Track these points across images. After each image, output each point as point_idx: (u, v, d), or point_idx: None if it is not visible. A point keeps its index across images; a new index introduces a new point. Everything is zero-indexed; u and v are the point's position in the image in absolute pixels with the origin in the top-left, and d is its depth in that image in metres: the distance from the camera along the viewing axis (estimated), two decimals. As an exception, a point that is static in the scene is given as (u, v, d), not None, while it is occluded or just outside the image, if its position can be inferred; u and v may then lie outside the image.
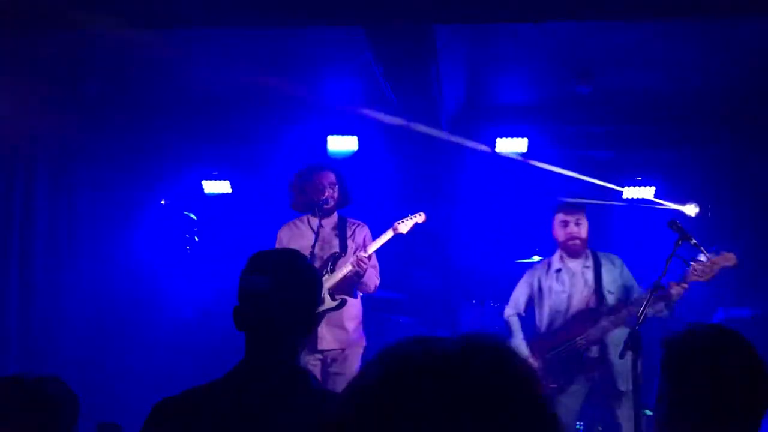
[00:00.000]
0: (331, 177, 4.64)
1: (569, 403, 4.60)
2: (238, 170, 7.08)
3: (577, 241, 4.72)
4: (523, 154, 6.40)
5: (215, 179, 7.02)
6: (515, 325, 4.93)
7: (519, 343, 4.79)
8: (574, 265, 4.78)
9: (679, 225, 3.90)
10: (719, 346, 1.80)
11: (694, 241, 3.82)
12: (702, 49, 4.89)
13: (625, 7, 3.74)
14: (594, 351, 4.57)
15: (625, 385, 4.37)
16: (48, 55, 4.82)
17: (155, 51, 4.94)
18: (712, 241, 4.65)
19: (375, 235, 4.79)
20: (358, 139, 6.32)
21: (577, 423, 5.88)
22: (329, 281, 4.53)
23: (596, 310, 4.61)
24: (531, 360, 4.56)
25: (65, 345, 5.87)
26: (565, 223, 4.74)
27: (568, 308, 4.71)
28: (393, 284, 6.15)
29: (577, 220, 4.74)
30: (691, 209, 6.46)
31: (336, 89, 5.91)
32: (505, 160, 6.53)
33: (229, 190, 7.05)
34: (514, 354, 0.87)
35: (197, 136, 6.59)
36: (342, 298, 4.51)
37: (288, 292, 1.93)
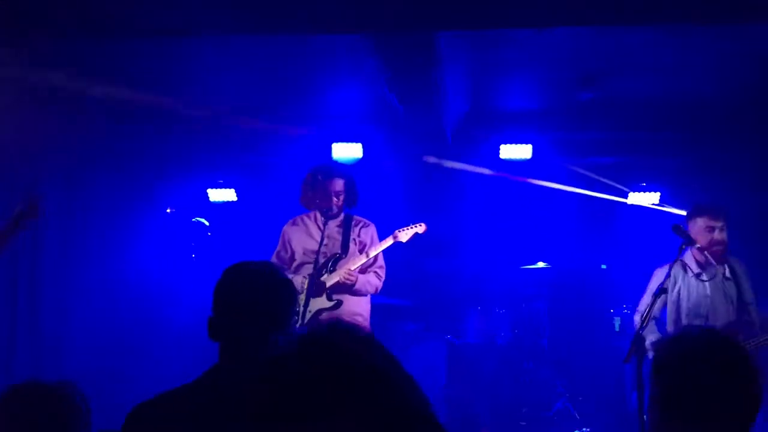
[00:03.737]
0: (340, 185, 4.71)
1: None
2: (243, 178, 7.10)
3: (721, 248, 4.55)
4: (527, 161, 6.41)
5: (220, 187, 7.05)
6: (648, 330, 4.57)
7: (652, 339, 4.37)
8: (714, 271, 4.59)
9: (683, 229, 3.91)
10: (709, 350, 1.80)
11: (698, 245, 3.81)
12: (706, 56, 4.90)
13: (628, 12, 3.76)
14: None
15: None
16: (53, 64, 4.85)
17: (161, 60, 4.98)
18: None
19: (381, 236, 4.86)
20: (363, 147, 6.35)
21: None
22: (328, 281, 4.62)
23: (739, 321, 4.46)
24: None
25: (73, 353, 5.89)
26: (711, 229, 4.53)
27: (707, 316, 4.52)
28: (399, 291, 6.17)
29: (722, 226, 4.56)
30: (696, 215, 6.43)
31: (341, 97, 5.95)
32: (508, 167, 6.54)
33: (235, 198, 7.08)
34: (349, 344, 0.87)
35: (203, 144, 6.61)
36: (338, 300, 4.60)
37: (262, 305, 1.95)
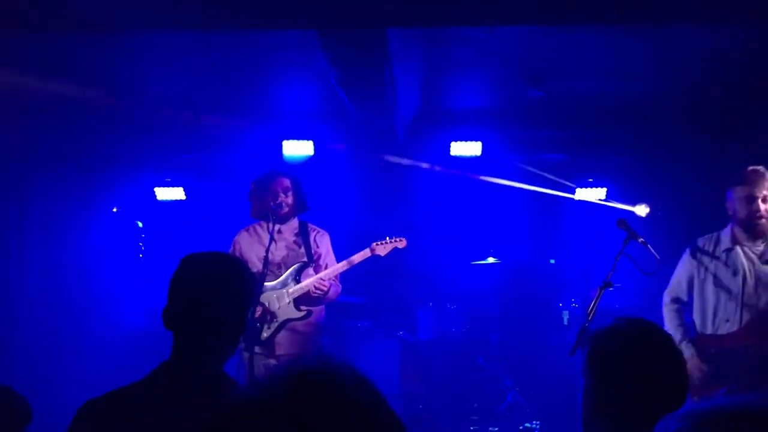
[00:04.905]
0: (286, 183, 4.64)
1: None
2: (191, 176, 6.99)
3: (764, 220, 3.96)
4: (477, 158, 6.48)
5: (168, 186, 6.92)
6: (673, 315, 4.15)
7: (678, 339, 3.94)
8: (752, 247, 4.02)
9: (627, 224, 4.00)
10: (639, 340, 1.85)
11: (642, 239, 3.90)
12: (651, 55, 5.01)
13: (578, 12, 3.81)
14: None
15: None
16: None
17: (108, 56, 4.86)
18: (661, 240, 4.76)
19: (334, 243, 4.80)
20: (314, 144, 6.31)
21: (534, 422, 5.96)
22: (295, 291, 4.53)
23: None
24: (695, 362, 3.88)
25: (13, 351, 5.71)
26: (750, 198, 3.95)
27: (741, 298, 3.94)
28: (352, 289, 6.15)
29: (765, 195, 3.96)
30: (641, 210, 6.60)
31: (291, 94, 5.90)
32: (459, 164, 6.60)
33: (183, 197, 6.96)
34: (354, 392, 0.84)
35: (150, 142, 6.49)
36: (308, 310, 4.53)
37: (217, 296, 1.94)
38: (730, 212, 4.09)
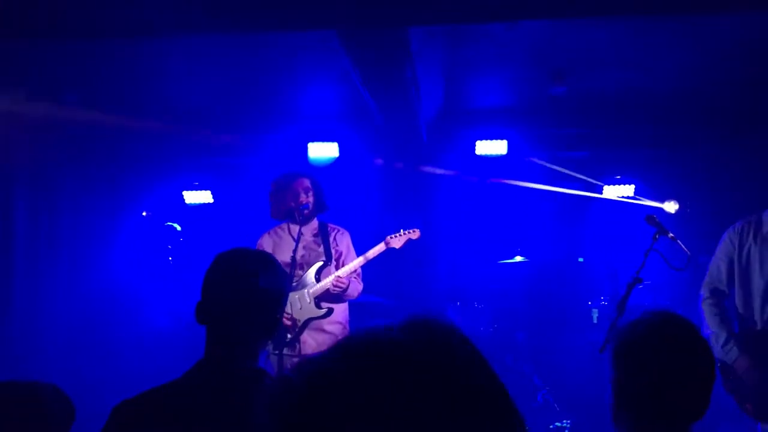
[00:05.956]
0: (306, 183, 4.66)
1: None
2: (219, 180, 7.06)
3: None
4: (503, 156, 6.44)
5: (196, 189, 7.00)
6: (714, 311, 3.72)
7: (724, 339, 3.57)
8: None
9: (657, 219, 3.93)
10: (662, 334, 1.82)
11: (671, 234, 3.84)
12: (677, 49, 4.95)
13: (599, 4, 3.77)
14: None
15: None
16: (24, 68, 4.79)
17: (133, 63, 4.93)
18: (691, 237, 4.69)
19: (355, 242, 4.81)
20: (339, 146, 6.33)
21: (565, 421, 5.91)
22: (316, 291, 4.56)
23: None
24: (744, 364, 3.48)
25: (44, 357, 5.81)
26: None
27: None
28: (377, 289, 6.16)
29: None
30: (670, 206, 6.52)
31: (315, 97, 5.93)
32: (484, 163, 6.58)
33: (211, 200, 7.04)
34: (458, 343, 0.85)
35: (177, 147, 6.57)
36: (329, 308, 4.55)
37: (250, 291, 1.95)
38: None
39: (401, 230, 4.80)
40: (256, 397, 1.86)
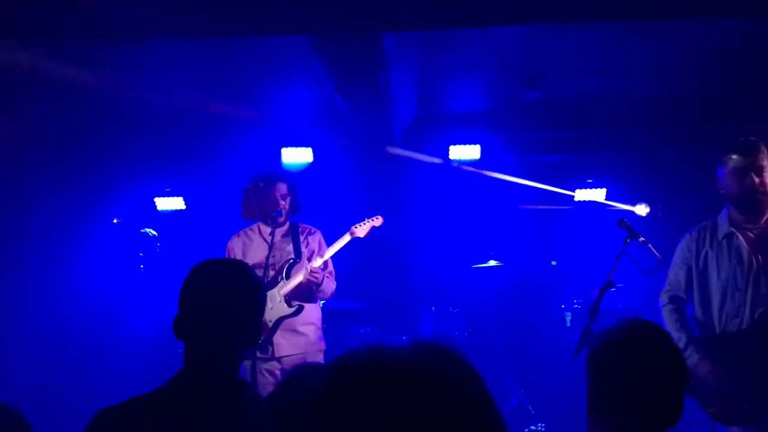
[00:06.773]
0: (284, 189, 4.65)
1: None
2: (191, 186, 6.99)
3: (760, 195, 3.44)
4: (476, 161, 6.48)
5: (168, 196, 6.93)
6: (673, 317, 3.67)
7: (684, 343, 3.53)
8: (753, 229, 3.52)
9: (628, 223, 3.96)
10: (636, 342, 1.83)
11: (642, 238, 3.88)
12: (646, 54, 5.01)
13: (574, 10, 3.80)
14: None
15: None
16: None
17: (104, 68, 4.86)
18: (663, 238, 4.74)
19: (329, 242, 4.80)
20: (313, 151, 6.32)
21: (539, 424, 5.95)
22: (284, 288, 4.53)
23: None
24: (705, 368, 3.47)
25: (15, 366, 5.69)
26: (743, 171, 3.44)
27: (746, 291, 3.48)
28: (352, 294, 6.15)
29: (762, 167, 3.42)
30: (642, 209, 6.60)
31: (288, 101, 5.90)
32: (459, 167, 6.60)
33: (183, 206, 6.96)
34: (461, 365, 0.86)
35: (149, 153, 6.49)
36: (299, 305, 4.53)
37: (230, 303, 1.93)
38: (722, 191, 3.62)
39: (365, 219, 4.81)
40: (236, 408, 1.85)
